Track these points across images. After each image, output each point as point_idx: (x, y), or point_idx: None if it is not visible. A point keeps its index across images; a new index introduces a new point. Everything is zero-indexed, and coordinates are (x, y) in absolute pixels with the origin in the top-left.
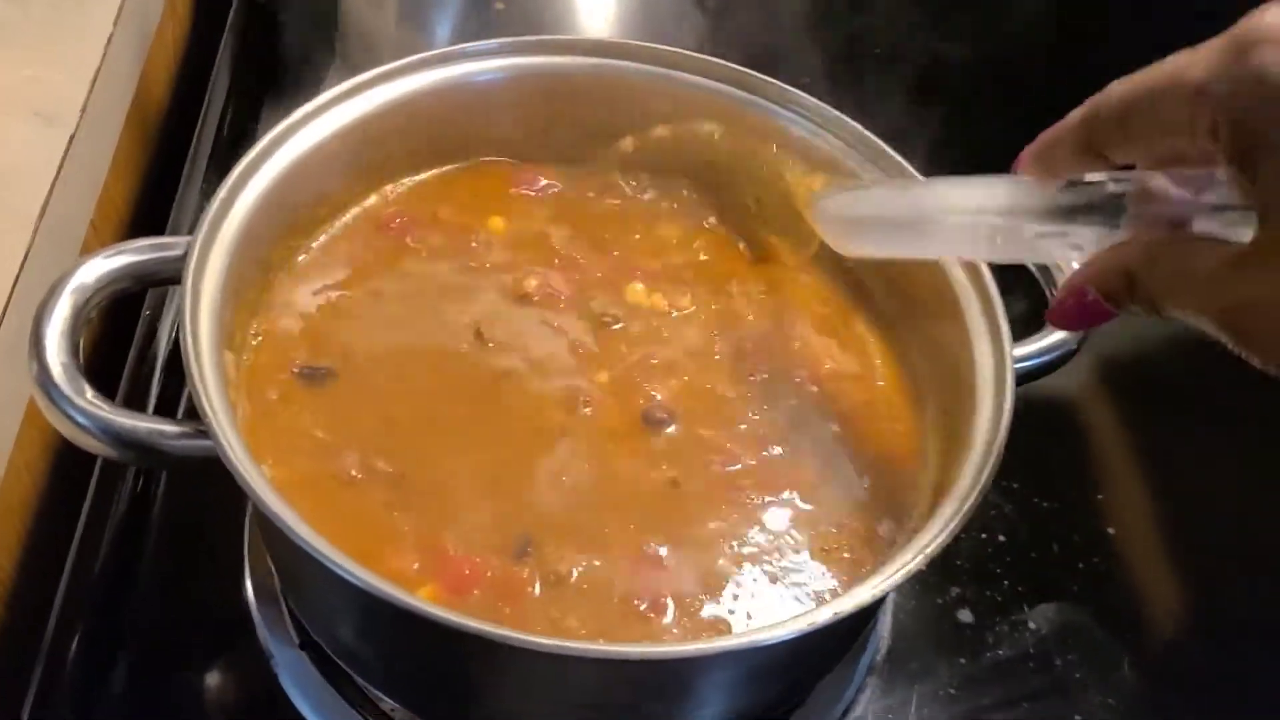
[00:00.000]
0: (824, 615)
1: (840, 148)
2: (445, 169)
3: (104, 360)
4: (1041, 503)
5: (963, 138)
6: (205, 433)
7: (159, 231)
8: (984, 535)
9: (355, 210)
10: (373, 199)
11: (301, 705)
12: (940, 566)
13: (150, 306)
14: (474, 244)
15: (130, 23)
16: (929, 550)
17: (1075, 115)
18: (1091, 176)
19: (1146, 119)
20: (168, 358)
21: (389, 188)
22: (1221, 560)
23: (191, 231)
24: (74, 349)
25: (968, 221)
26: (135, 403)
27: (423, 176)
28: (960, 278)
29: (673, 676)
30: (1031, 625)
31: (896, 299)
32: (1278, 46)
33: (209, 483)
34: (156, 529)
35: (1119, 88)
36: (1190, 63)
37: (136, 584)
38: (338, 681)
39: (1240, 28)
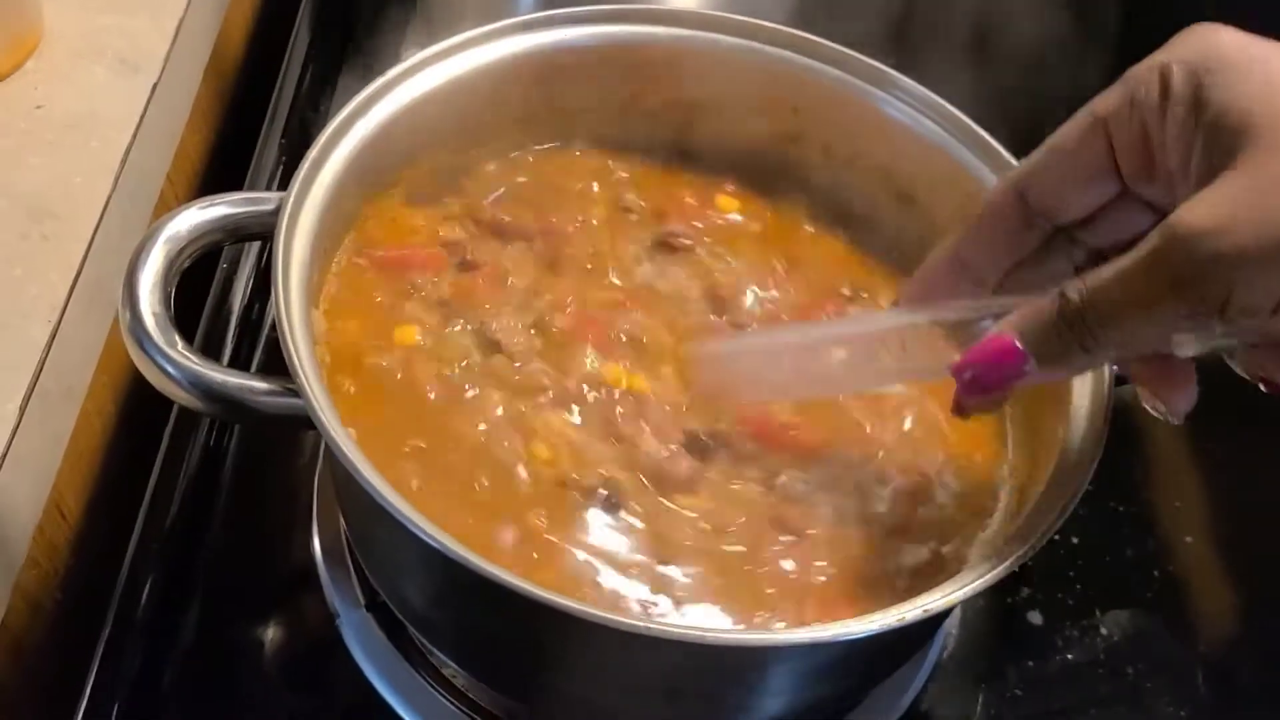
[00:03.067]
0: (914, 612)
1: (937, 132)
2: (537, 148)
3: (178, 311)
4: (1118, 506)
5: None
6: (295, 391)
7: (232, 185)
8: (1057, 536)
9: (443, 174)
10: (462, 168)
11: (364, 664)
12: None
13: (227, 260)
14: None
15: None
16: (1021, 553)
17: (996, 186)
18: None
19: (1080, 125)
20: (243, 312)
21: (480, 160)
22: None
23: (271, 187)
24: (166, 299)
25: (851, 349)
26: (210, 356)
27: (515, 153)
28: None
29: (751, 664)
30: (1103, 631)
31: None
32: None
33: (279, 437)
34: (228, 482)
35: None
36: (1108, 90)
37: (207, 537)
38: (401, 643)
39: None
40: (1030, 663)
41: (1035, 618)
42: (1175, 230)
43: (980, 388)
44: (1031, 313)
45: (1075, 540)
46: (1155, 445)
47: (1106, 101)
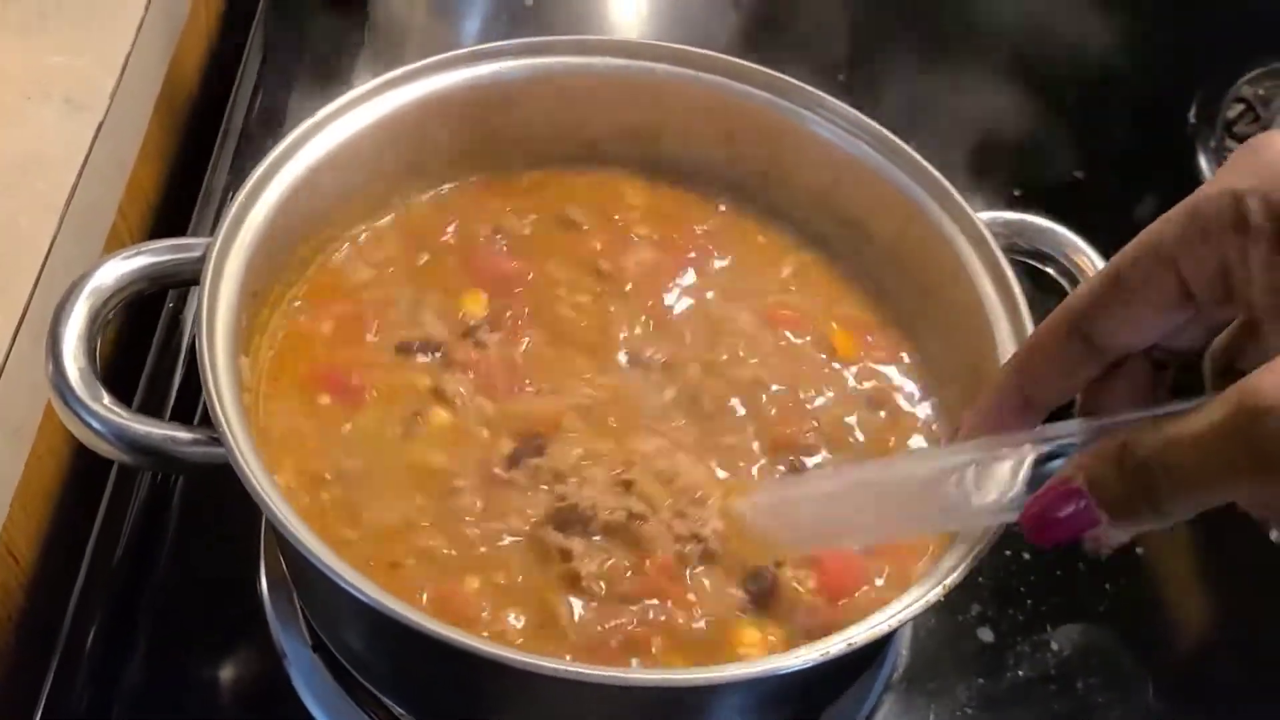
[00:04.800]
0: (837, 646)
1: (865, 151)
2: (476, 177)
3: (125, 354)
4: None
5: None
6: (219, 440)
7: (187, 219)
8: (1007, 552)
9: (382, 216)
10: (399, 205)
11: (312, 705)
12: (961, 583)
13: (173, 300)
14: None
15: (161, 8)
16: (949, 581)
17: (1051, 319)
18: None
19: (1146, 262)
20: (188, 354)
21: (417, 194)
22: (1252, 584)
23: (219, 225)
24: (90, 352)
25: (913, 491)
26: (154, 401)
27: (451, 185)
28: (990, 293)
29: (684, 702)
30: (1054, 646)
31: (922, 313)
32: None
33: (226, 478)
34: (175, 522)
35: (1096, 276)
36: (1170, 218)
37: (153, 577)
38: (349, 684)
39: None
40: (981, 680)
41: (986, 635)
42: (1256, 404)
43: (1050, 538)
44: (1095, 461)
45: (1026, 555)
46: None
47: (1171, 235)
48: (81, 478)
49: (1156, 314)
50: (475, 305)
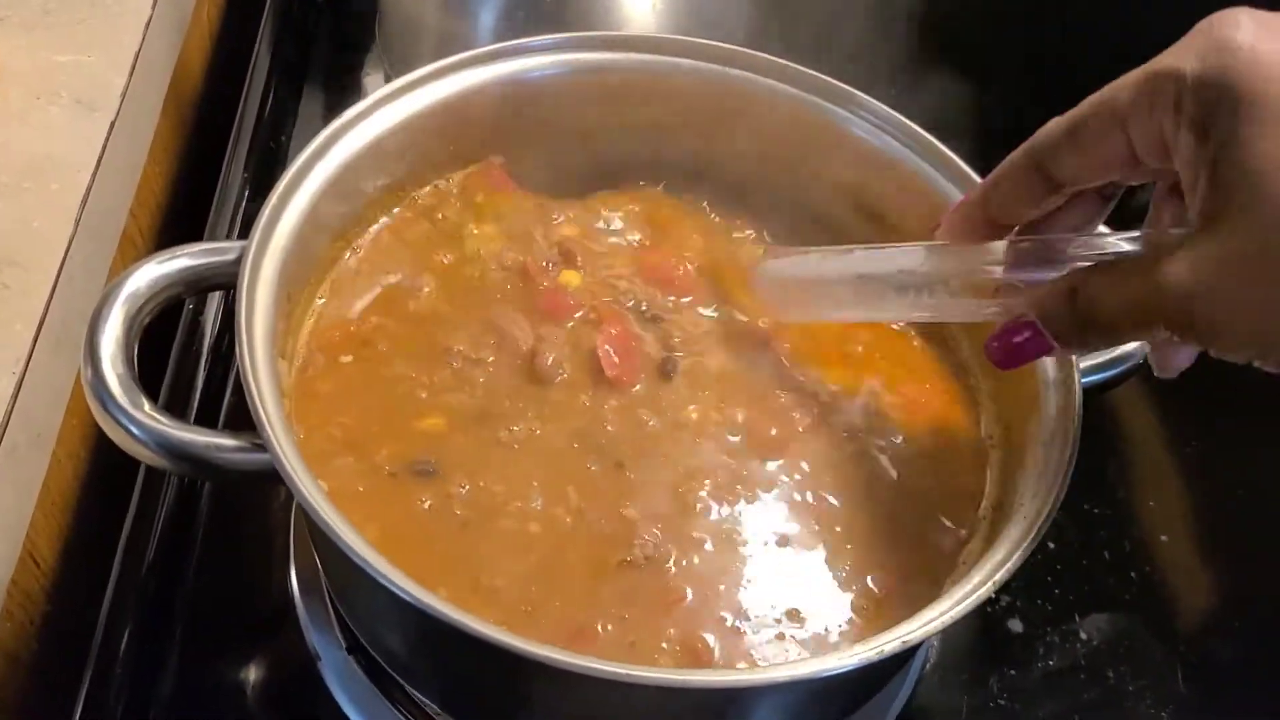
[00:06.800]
0: (892, 644)
1: (897, 148)
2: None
3: (144, 354)
4: (1092, 509)
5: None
6: (262, 446)
7: (196, 218)
8: None
9: (402, 206)
10: (420, 194)
11: (347, 707)
12: None
13: (192, 303)
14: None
15: (168, 5)
16: (998, 577)
17: (1016, 154)
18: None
19: (1101, 119)
20: (210, 355)
21: (436, 182)
22: (1278, 569)
23: (235, 225)
24: (129, 358)
25: (894, 283)
26: (177, 407)
27: (468, 170)
28: None
29: (734, 702)
30: (1083, 635)
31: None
32: (1234, 23)
33: (254, 482)
34: (203, 526)
35: (1058, 122)
36: (1126, 84)
37: (184, 582)
38: (384, 685)
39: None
40: (1012, 671)
41: (1016, 625)
42: (1164, 282)
43: (1011, 363)
44: (1048, 298)
45: (1052, 545)
46: (1127, 446)
47: (1125, 100)
48: (100, 481)
49: (1107, 165)
50: None
